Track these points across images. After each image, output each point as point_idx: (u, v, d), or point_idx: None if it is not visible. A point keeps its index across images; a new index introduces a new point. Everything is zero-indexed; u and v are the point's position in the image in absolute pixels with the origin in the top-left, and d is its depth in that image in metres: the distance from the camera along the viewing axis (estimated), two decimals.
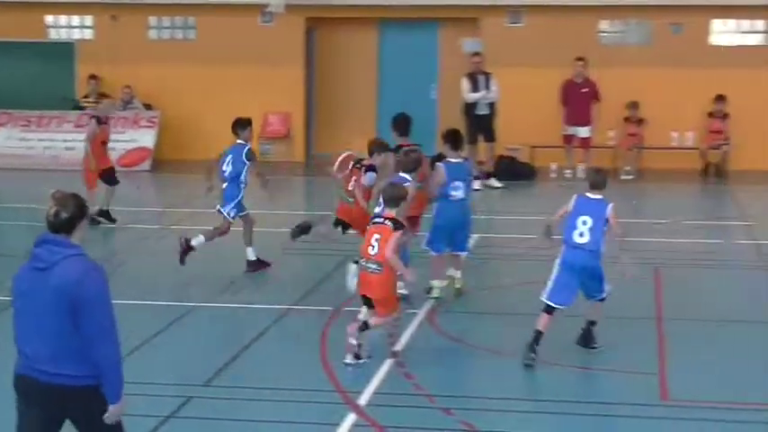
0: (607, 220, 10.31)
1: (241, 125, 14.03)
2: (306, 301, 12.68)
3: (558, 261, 10.44)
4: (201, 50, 24.44)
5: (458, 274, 12.73)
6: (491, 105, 21.24)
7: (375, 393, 9.51)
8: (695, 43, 23.26)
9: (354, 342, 10.21)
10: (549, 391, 9.81)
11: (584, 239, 10.26)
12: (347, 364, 10.18)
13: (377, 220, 10.40)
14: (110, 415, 6.20)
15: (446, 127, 13.46)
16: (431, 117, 23.14)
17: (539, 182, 21.72)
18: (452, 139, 12.52)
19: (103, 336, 6.09)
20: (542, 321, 10.35)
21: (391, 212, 10.33)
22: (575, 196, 10.47)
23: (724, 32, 23.42)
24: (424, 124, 13.24)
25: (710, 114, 22.88)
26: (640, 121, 23.01)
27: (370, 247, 10.18)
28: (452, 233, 12.48)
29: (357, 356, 10.22)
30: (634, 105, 22.94)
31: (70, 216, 6.14)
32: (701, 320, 11.99)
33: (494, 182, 21.15)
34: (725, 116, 22.78)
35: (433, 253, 12.58)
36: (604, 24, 23.62)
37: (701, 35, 23.33)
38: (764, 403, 9.43)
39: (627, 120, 23.05)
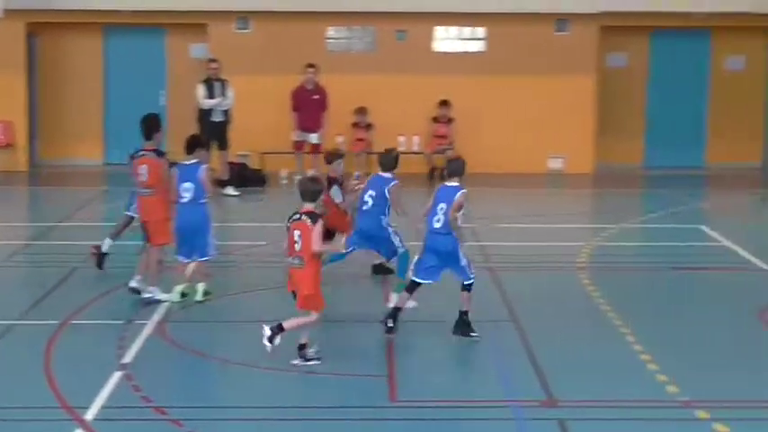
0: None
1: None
2: (29, 317, 12.26)
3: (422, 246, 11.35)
4: None
5: (197, 282, 12.67)
6: (226, 113, 21.12)
7: (103, 408, 9.29)
8: (419, 50, 23.82)
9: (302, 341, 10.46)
10: (281, 398, 9.81)
11: (440, 224, 11.15)
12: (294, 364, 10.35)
13: (295, 216, 10.43)
14: None
15: (176, 133, 13.42)
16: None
17: (269, 188, 21.74)
18: (187, 143, 12.69)
19: None
20: (401, 298, 11.38)
21: (309, 207, 10.44)
22: (438, 187, 11.44)
23: (446, 39, 24.08)
24: None
25: (435, 119, 23.48)
26: (368, 127, 23.39)
27: (295, 244, 10.30)
28: (187, 236, 12.44)
29: (304, 357, 10.43)
30: (362, 111, 23.29)
31: None
32: (430, 322, 12.21)
33: (230, 190, 21.01)
34: (449, 121, 23.43)
35: (180, 259, 12.54)
36: (331, 31, 23.89)
37: (424, 42, 23.90)
38: (491, 400, 9.70)
39: (355, 125, 23.38)
